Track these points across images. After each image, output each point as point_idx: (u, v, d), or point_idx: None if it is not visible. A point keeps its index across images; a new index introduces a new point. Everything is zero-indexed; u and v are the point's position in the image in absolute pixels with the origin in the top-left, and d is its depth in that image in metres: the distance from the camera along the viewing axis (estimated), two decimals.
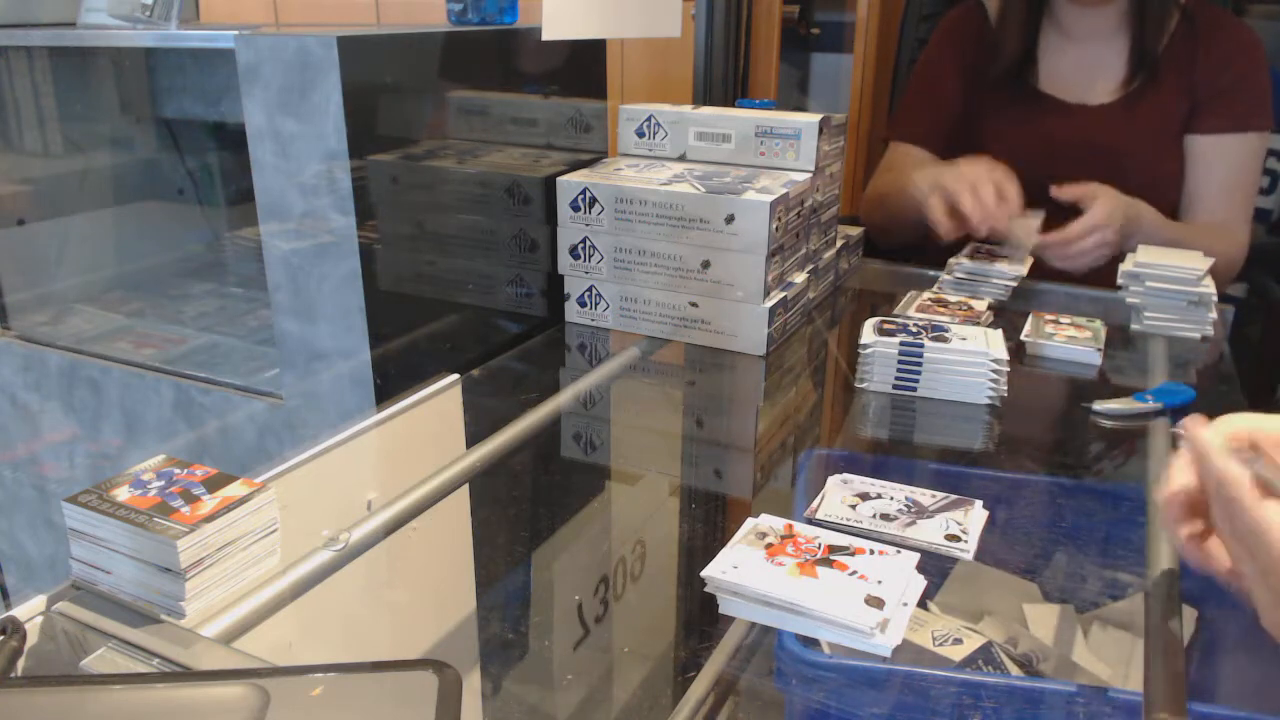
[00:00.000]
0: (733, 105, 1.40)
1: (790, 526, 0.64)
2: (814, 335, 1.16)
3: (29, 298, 1.37)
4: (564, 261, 1.13)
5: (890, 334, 0.95)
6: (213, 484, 0.62)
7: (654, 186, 1.05)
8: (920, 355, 0.93)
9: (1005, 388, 0.92)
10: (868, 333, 0.96)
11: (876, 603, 0.56)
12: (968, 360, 0.92)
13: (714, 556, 0.61)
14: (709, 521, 0.82)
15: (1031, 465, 0.86)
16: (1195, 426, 0.45)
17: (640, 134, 1.19)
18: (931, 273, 1.28)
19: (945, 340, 0.93)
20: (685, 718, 0.56)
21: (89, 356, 1.23)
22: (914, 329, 0.96)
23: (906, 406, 0.94)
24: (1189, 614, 0.65)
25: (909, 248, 1.42)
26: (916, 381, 0.94)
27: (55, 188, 1.43)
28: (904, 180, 1.31)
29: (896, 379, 0.94)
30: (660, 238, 1.06)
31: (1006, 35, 1.35)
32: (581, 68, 1.21)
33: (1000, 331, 0.96)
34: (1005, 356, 0.92)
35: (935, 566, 0.66)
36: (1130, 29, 1.29)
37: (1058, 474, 0.82)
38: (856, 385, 0.96)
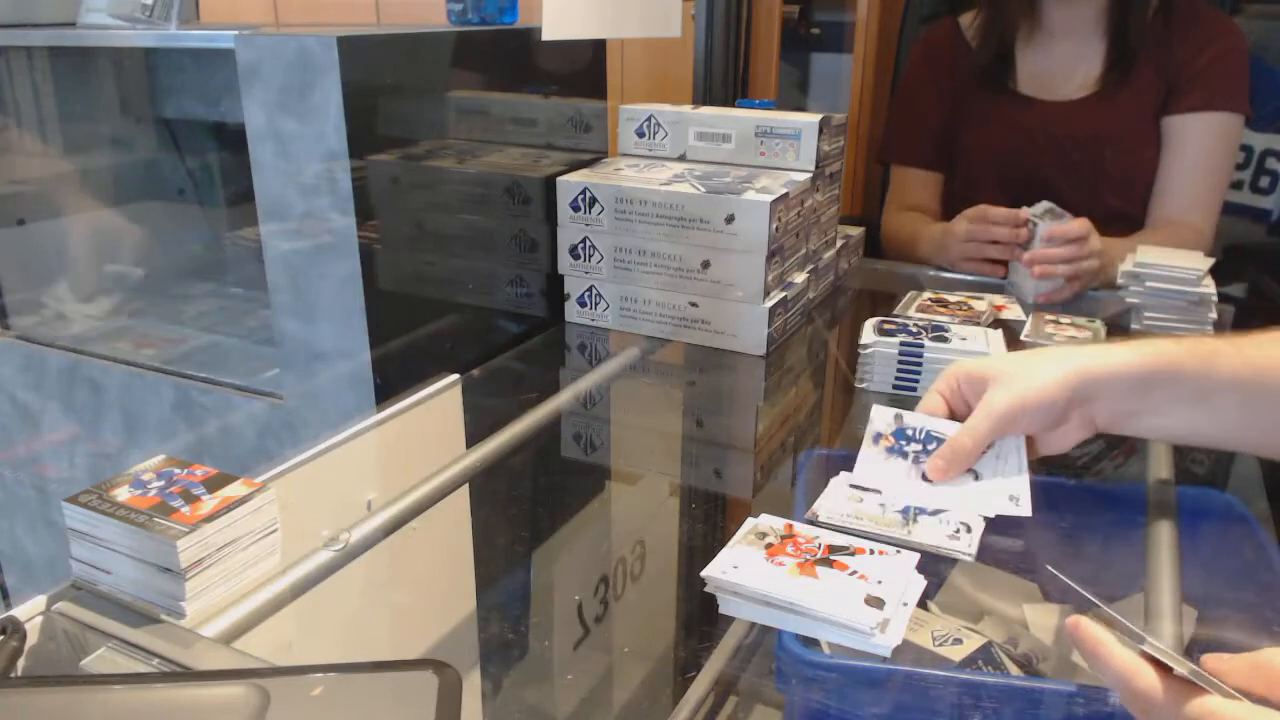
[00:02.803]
0: (733, 105, 1.40)
1: (790, 526, 0.64)
2: (814, 335, 1.16)
3: (29, 298, 1.37)
4: (564, 261, 1.13)
5: (890, 334, 0.95)
6: (213, 484, 0.62)
7: (654, 186, 1.05)
8: (920, 355, 0.93)
9: None
10: (868, 333, 0.96)
11: (876, 603, 0.56)
12: None
13: (714, 556, 0.61)
14: (709, 521, 0.82)
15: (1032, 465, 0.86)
16: (1081, 627, 0.45)
17: (640, 134, 1.19)
18: (931, 271, 1.28)
19: (945, 340, 0.93)
20: (685, 718, 0.56)
21: (89, 356, 1.23)
22: (914, 329, 0.96)
23: (907, 407, 0.94)
24: (1189, 614, 0.65)
25: None
26: (916, 381, 0.94)
27: (55, 188, 1.43)
28: (917, 239, 1.36)
29: (896, 379, 0.94)
30: (660, 238, 1.06)
31: (986, 34, 1.37)
32: (581, 68, 1.21)
33: (1000, 332, 0.96)
34: None
35: (935, 566, 0.65)
36: (1109, 22, 1.30)
37: (1058, 474, 0.82)
38: (856, 385, 0.96)
